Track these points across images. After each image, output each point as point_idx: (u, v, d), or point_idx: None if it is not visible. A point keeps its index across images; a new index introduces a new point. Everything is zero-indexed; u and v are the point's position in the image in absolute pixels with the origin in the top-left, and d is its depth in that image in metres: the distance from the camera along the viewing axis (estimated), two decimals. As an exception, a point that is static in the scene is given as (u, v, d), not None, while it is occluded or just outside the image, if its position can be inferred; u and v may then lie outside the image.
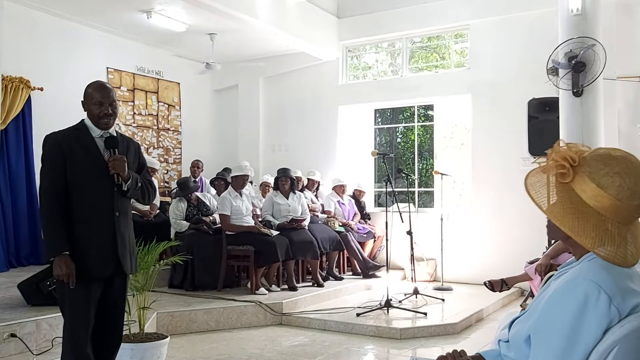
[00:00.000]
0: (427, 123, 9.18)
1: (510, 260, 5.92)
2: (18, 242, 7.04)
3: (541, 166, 1.61)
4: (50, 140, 2.82)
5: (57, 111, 6.86)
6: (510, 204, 7.35)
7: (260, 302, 5.63)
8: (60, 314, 2.86)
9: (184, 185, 6.86)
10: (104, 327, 2.87)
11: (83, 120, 2.92)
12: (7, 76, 6.79)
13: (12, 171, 7.04)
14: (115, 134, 2.94)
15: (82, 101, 2.92)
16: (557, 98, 6.01)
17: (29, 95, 7.25)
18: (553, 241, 4.33)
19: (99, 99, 2.85)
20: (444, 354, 1.80)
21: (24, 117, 7.22)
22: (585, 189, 1.52)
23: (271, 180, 7.68)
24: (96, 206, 2.81)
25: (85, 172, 2.80)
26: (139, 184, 2.92)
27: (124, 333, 3.34)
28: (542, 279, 3.90)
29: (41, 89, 7.40)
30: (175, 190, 7.98)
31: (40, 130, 6.68)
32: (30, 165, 7.22)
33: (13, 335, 3.70)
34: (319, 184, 8.43)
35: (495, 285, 4.35)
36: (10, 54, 6.68)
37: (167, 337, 3.96)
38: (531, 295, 5.02)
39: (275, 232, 6.41)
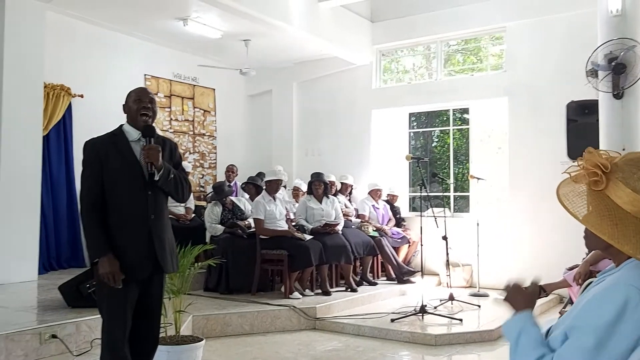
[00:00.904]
0: (463, 127, 9.06)
1: (548, 266, 5.78)
2: (59, 245, 7.23)
3: (572, 176, 1.59)
4: (89, 146, 2.91)
5: (96, 117, 7.03)
6: (548, 209, 7.12)
7: (294, 307, 5.64)
8: (99, 315, 2.92)
9: (219, 189, 6.93)
10: (141, 329, 2.92)
11: (121, 125, 2.99)
12: (49, 84, 7.00)
13: (53, 176, 7.24)
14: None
15: (123, 105, 3.00)
16: (597, 100, 5.86)
17: (70, 102, 7.46)
18: (592, 248, 4.20)
19: (138, 95, 2.95)
20: None
21: (65, 124, 7.43)
22: (620, 195, 1.49)
23: (302, 186, 7.70)
24: (131, 210, 2.86)
25: (121, 177, 2.86)
26: (172, 176, 2.92)
27: (161, 335, 3.39)
28: (580, 287, 3.79)
29: (81, 96, 7.60)
30: (210, 195, 8.08)
31: (80, 136, 6.87)
32: (70, 170, 7.42)
33: (54, 336, 3.79)
34: (352, 188, 8.40)
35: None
36: (52, 62, 6.88)
37: (202, 339, 4.00)
38: (570, 302, 4.89)
39: (308, 237, 6.41)
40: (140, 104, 2.92)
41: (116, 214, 2.83)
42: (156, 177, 2.86)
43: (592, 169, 1.52)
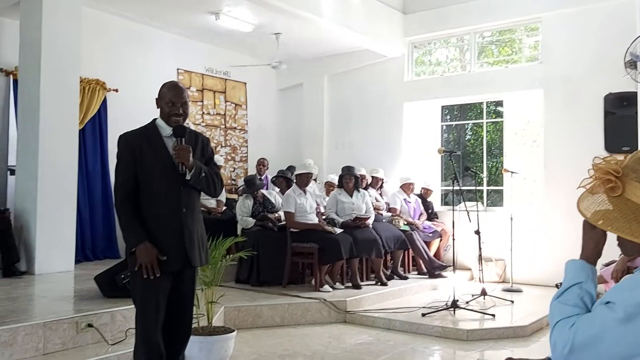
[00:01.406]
0: (497, 119, 8.91)
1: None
2: (94, 237, 7.38)
3: (587, 189, 1.60)
4: (123, 140, 2.95)
5: (130, 111, 7.13)
6: (585, 204, 7.02)
7: (324, 300, 5.65)
8: (133, 305, 2.97)
9: (251, 182, 6.98)
10: (174, 319, 2.96)
11: (155, 119, 3.02)
12: (85, 78, 7.14)
13: (88, 169, 7.40)
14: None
15: (156, 99, 3.02)
16: (636, 92, 5.70)
17: (105, 97, 7.59)
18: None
19: (172, 98, 2.95)
20: None
21: (100, 118, 7.57)
22: (639, 194, 1.49)
23: (336, 179, 7.69)
24: (164, 203, 2.89)
25: (153, 171, 2.89)
26: (203, 174, 2.94)
27: (193, 326, 3.44)
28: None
29: (116, 90, 7.74)
30: (241, 188, 8.14)
31: (115, 130, 6.98)
32: (105, 163, 7.56)
33: (90, 325, 3.88)
34: (382, 182, 8.35)
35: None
36: (88, 57, 6.99)
37: (234, 331, 4.04)
38: (607, 299, 4.77)
39: (339, 230, 6.40)
40: (172, 109, 2.94)
41: (149, 207, 2.87)
42: (187, 177, 2.90)
43: (605, 177, 1.53)
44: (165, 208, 2.89)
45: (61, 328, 3.72)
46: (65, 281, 5.52)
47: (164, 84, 3.05)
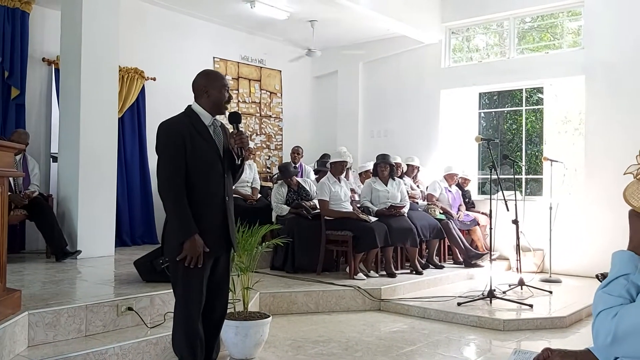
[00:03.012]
0: (537, 107, 8.70)
1: (627, 253, 5.50)
2: (132, 222, 7.53)
3: (636, 175, 1.56)
4: (170, 127, 2.92)
5: (167, 99, 7.23)
6: (628, 193, 6.81)
7: (358, 287, 5.65)
8: (171, 290, 3.03)
9: (285, 169, 7.01)
10: (211, 301, 3.02)
11: (191, 106, 3.03)
12: (124, 67, 7.26)
13: (127, 157, 7.54)
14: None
15: (201, 86, 2.99)
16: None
17: (143, 85, 7.71)
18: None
19: (225, 84, 3.01)
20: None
21: (138, 106, 7.69)
22: None
23: (368, 167, 7.65)
24: (211, 191, 2.94)
25: (202, 159, 2.91)
26: (244, 163, 3.11)
27: (229, 311, 3.49)
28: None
29: (154, 79, 7.85)
30: (276, 175, 8.20)
31: (152, 118, 7.10)
32: (143, 151, 7.70)
33: (130, 308, 3.96)
34: (418, 170, 8.26)
35: (610, 279, 4.06)
36: (126, 46, 7.10)
37: (269, 316, 4.08)
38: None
39: (373, 219, 6.38)
40: (227, 94, 3.00)
41: (197, 195, 2.88)
42: (238, 162, 3.01)
43: None
44: (212, 195, 2.95)
45: (102, 311, 3.82)
46: (105, 265, 5.66)
47: (207, 72, 3.09)
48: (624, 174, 1.61)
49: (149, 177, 7.68)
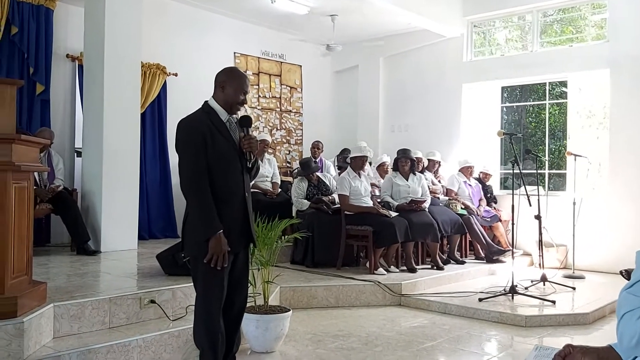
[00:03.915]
0: (560, 101, 8.57)
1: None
2: (152, 217, 7.60)
3: None
4: (191, 125, 2.93)
5: (188, 95, 7.27)
6: (654, 189, 6.71)
7: (379, 282, 5.64)
8: (192, 284, 3.06)
9: (306, 165, 7.02)
10: (231, 296, 3.04)
11: (208, 102, 3.03)
12: (146, 63, 7.33)
13: (147, 152, 7.61)
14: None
15: (220, 81, 3.01)
16: None
17: (165, 81, 7.78)
18: None
19: (245, 89, 3.01)
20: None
21: (160, 102, 7.76)
22: None
23: (389, 161, 7.63)
24: (231, 187, 2.96)
25: (223, 155, 2.93)
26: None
27: (250, 305, 3.52)
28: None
29: (175, 75, 7.91)
30: (297, 170, 8.21)
31: (174, 114, 7.15)
32: (164, 146, 7.76)
33: (152, 301, 4.02)
34: (439, 165, 8.20)
35: (635, 275, 4.00)
36: (148, 42, 7.17)
37: (289, 310, 4.10)
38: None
39: (394, 214, 6.36)
40: (243, 98, 3.00)
41: (218, 192, 2.89)
42: (249, 165, 3.03)
43: None
44: (232, 193, 2.97)
45: (125, 303, 3.88)
46: (128, 259, 5.74)
47: (231, 69, 3.11)
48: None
49: (169, 172, 7.76)
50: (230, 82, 2.98)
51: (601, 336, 4.62)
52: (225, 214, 2.91)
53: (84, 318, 3.65)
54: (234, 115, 3.07)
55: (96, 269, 5.14)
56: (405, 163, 6.81)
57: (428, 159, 7.95)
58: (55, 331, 3.51)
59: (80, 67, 6.90)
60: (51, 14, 6.83)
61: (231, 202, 2.95)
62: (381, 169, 7.81)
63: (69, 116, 7.22)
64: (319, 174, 7.19)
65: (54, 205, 5.96)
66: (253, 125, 6.75)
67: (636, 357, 1.51)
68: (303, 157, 9.48)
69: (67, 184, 6.70)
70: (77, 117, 7.11)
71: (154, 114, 7.71)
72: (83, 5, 6.47)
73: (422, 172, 7.41)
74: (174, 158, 7.52)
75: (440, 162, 8.15)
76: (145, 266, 5.20)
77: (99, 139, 6.11)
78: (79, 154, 6.90)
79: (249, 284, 3.27)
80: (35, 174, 5.35)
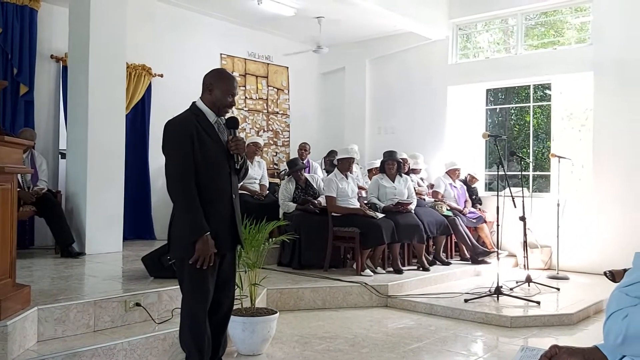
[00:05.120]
0: (544, 103, 8.66)
1: (633, 249, 5.47)
2: (131, 218, 7.43)
3: None
4: (177, 126, 2.92)
5: (174, 96, 7.23)
6: (635, 190, 6.80)
7: (365, 284, 5.66)
8: (178, 286, 3.05)
9: (292, 163, 7.02)
10: (218, 298, 3.04)
11: (195, 104, 3.03)
12: (131, 64, 7.28)
13: (129, 154, 7.50)
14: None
15: (208, 83, 3.00)
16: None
17: (150, 82, 7.73)
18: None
19: (233, 91, 3.00)
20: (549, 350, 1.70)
21: (144, 103, 7.70)
22: None
23: (375, 164, 7.65)
24: (219, 189, 2.95)
25: (210, 157, 2.92)
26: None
27: (237, 307, 3.51)
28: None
29: (161, 76, 7.86)
30: (284, 171, 8.22)
31: (158, 115, 7.12)
32: (146, 148, 7.66)
33: (138, 304, 3.99)
34: (421, 171, 8.24)
35: (617, 276, 4.06)
36: (134, 43, 7.12)
37: (276, 312, 4.09)
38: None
39: (380, 215, 6.38)
40: (231, 100, 2.99)
41: (205, 193, 2.89)
42: (237, 166, 3.03)
43: None
44: (220, 194, 2.96)
45: (110, 306, 3.85)
46: (113, 261, 5.69)
47: (220, 71, 3.11)
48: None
49: (149, 173, 7.67)
50: (218, 84, 2.98)
51: (585, 336, 4.67)
52: (212, 215, 2.90)
53: (68, 321, 3.61)
54: (222, 117, 3.06)
55: (81, 271, 5.09)
56: (392, 165, 6.84)
57: (412, 168, 7.95)
58: (40, 335, 3.47)
59: (65, 68, 6.84)
60: (35, 14, 6.77)
61: (218, 204, 2.95)
62: (372, 173, 7.81)
63: (53, 117, 7.15)
64: (307, 175, 7.18)
65: (38, 207, 5.89)
66: (240, 127, 6.75)
67: (624, 356, 1.53)
68: (290, 158, 9.49)
69: (51, 185, 6.63)
70: (62, 118, 7.05)
71: (138, 115, 7.63)
72: (68, 6, 6.42)
73: (407, 173, 7.45)
74: (154, 160, 7.47)
75: (422, 169, 8.19)
76: (131, 269, 5.16)
77: (84, 140, 6.06)
78: (63, 156, 6.83)
79: (236, 287, 3.26)
80: (19, 175, 5.29)
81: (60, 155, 7.09)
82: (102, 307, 3.80)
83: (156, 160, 7.33)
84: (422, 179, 8.09)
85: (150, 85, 7.74)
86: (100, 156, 6.10)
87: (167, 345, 3.74)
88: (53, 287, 4.23)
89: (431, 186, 8.02)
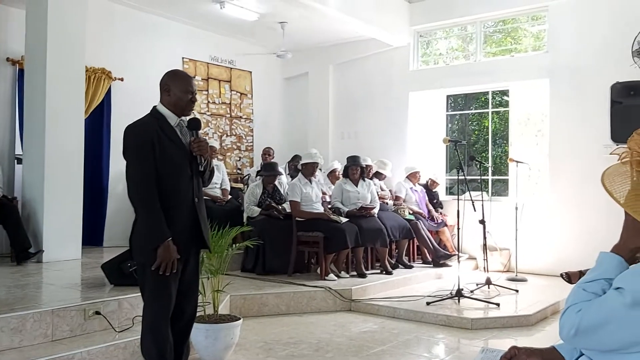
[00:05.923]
0: (502, 109, 8.88)
1: (589, 252, 5.60)
2: (89, 225, 7.26)
3: (621, 158, 1.56)
4: (138, 131, 2.88)
5: (134, 100, 7.12)
6: (590, 193, 6.99)
7: (329, 288, 5.68)
8: (139, 294, 3.00)
9: (271, 167, 6.96)
10: (180, 304, 3.00)
11: (156, 107, 2.99)
12: (90, 67, 7.14)
13: (89, 159, 7.34)
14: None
15: (164, 84, 2.97)
16: (644, 81, 5.66)
17: (110, 86, 7.59)
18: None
19: (190, 88, 2.97)
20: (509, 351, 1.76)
21: (104, 107, 7.55)
22: None
23: (340, 168, 7.70)
24: (180, 193, 2.91)
25: (171, 161, 2.88)
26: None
27: (199, 314, 3.47)
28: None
29: (121, 79, 7.74)
30: (247, 176, 8.19)
31: (119, 119, 6.99)
32: (104, 153, 7.49)
33: (97, 312, 3.91)
34: (385, 177, 8.33)
35: (573, 277, 4.17)
36: (93, 46, 6.99)
37: (240, 319, 4.07)
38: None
39: (344, 220, 6.42)
40: (192, 97, 2.96)
41: (166, 198, 2.85)
42: (201, 168, 3.00)
43: (637, 150, 1.49)
44: (181, 198, 2.92)
45: (69, 315, 3.76)
46: (72, 269, 5.57)
47: (174, 72, 3.05)
48: (610, 153, 1.60)
49: (107, 179, 7.51)
50: (175, 84, 2.95)
51: (544, 337, 4.80)
52: (174, 220, 2.87)
53: (25, 331, 3.52)
54: (184, 119, 3.03)
55: (38, 279, 4.97)
56: (356, 170, 6.90)
57: (377, 172, 8.04)
58: (-5, 346, 3.37)
59: (21, 71, 6.66)
60: (-10, 15, 6.59)
61: (180, 208, 2.91)
62: (332, 175, 7.88)
63: (9, 122, 6.95)
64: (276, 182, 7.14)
65: (-7, 213, 5.72)
66: (202, 132, 6.68)
67: (580, 355, 1.58)
68: (254, 163, 9.47)
69: (7, 191, 6.45)
70: (18, 122, 6.85)
71: (97, 120, 7.47)
72: (24, 7, 6.26)
73: (371, 178, 7.53)
74: (114, 165, 7.34)
75: (387, 175, 8.28)
76: (90, 276, 5.05)
77: (41, 145, 5.92)
78: (20, 161, 6.65)
79: (199, 293, 3.23)
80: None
81: (16, 161, 6.90)
82: (61, 316, 3.72)
83: (116, 165, 7.20)
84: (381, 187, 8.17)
85: (110, 89, 7.60)
86: (58, 161, 5.97)
87: (128, 354, 3.68)
88: (9, 295, 4.12)
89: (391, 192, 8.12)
